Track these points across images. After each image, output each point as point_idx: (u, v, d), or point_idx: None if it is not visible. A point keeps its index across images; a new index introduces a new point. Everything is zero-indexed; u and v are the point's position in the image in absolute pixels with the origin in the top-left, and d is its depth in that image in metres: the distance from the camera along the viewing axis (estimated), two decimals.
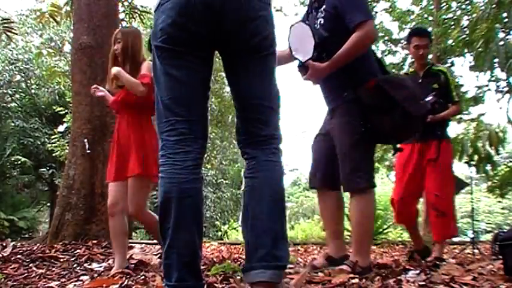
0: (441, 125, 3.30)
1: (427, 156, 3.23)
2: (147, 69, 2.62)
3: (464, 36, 7.09)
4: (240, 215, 1.47)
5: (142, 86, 2.57)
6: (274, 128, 1.50)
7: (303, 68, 2.14)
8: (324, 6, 2.23)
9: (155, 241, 3.72)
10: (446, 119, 3.38)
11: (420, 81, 3.27)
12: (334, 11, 2.17)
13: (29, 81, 15.37)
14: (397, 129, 2.10)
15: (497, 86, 7.39)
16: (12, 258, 3.07)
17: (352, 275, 1.97)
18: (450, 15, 8.32)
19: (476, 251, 4.48)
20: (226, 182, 17.20)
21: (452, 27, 7.70)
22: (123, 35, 2.72)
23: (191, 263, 1.36)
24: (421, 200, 3.61)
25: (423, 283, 1.82)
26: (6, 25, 6.33)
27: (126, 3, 7.06)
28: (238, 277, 2.03)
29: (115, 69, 2.63)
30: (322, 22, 2.23)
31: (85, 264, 2.96)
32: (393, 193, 3.39)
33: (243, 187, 1.49)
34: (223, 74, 1.56)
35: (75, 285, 2.24)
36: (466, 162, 6.20)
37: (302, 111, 39.78)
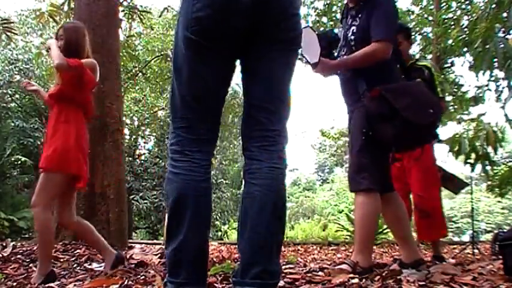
0: None
1: (410, 155, 3.15)
2: (86, 63, 2.54)
3: (464, 36, 7.09)
4: (238, 222, 1.42)
5: (65, 62, 2.41)
6: (283, 125, 1.46)
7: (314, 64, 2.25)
8: (360, 15, 2.29)
9: (155, 241, 3.71)
10: None
11: (403, 76, 3.26)
12: (370, 22, 2.24)
13: None
14: (399, 138, 2.11)
15: (497, 86, 7.38)
16: (12, 258, 3.07)
17: (351, 275, 1.97)
18: (450, 15, 8.33)
19: (476, 251, 4.48)
20: (226, 182, 17.21)
21: (452, 27, 7.69)
22: (65, 31, 2.60)
23: (200, 263, 1.35)
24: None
25: (423, 283, 1.82)
26: (6, 25, 6.32)
27: (125, 3, 7.06)
28: None
29: (50, 41, 2.53)
30: (355, 30, 2.30)
31: (85, 264, 2.95)
32: None
33: (243, 187, 1.44)
34: None
35: (75, 285, 2.24)
36: (464, 162, 6.19)
37: (302, 111, 39.78)
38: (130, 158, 14.86)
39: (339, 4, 9.50)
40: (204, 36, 1.33)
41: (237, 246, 1.46)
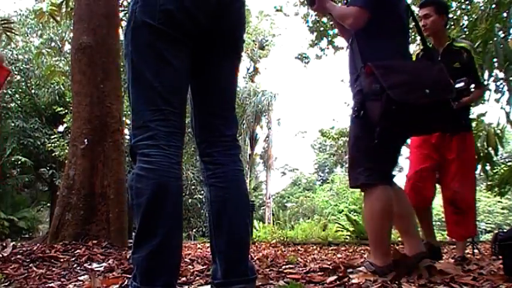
0: (465, 113, 2.91)
1: (450, 149, 2.93)
2: None
3: (463, 36, 7.09)
4: (210, 224, 1.44)
5: None
6: (236, 131, 1.52)
7: (311, 1, 2.38)
8: None
9: None
10: (469, 105, 2.99)
11: (439, 59, 2.87)
12: None
13: (29, 81, 15.38)
14: (387, 118, 1.93)
15: (497, 86, 7.38)
16: (12, 258, 3.06)
17: (371, 277, 1.94)
18: (450, 15, 8.32)
19: (476, 251, 4.48)
20: None
21: (452, 27, 7.69)
22: None
23: (178, 265, 1.33)
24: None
25: (423, 283, 1.82)
26: (6, 25, 6.32)
27: (126, 3, 7.06)
28: None
29: None
30: None
31: (85, 264, 2.95)
32: (408, 171, 3.02)
33: (207, 191, 1.45)
34: None
35: (75, 285, 2.24)
36: None
37: (302, 111, 39.82)
38: (130, 158, 14.87)
39: (339, 4, 9.51)
40: (173, 27, 1.33)
41: (210, 249, 1.46)
